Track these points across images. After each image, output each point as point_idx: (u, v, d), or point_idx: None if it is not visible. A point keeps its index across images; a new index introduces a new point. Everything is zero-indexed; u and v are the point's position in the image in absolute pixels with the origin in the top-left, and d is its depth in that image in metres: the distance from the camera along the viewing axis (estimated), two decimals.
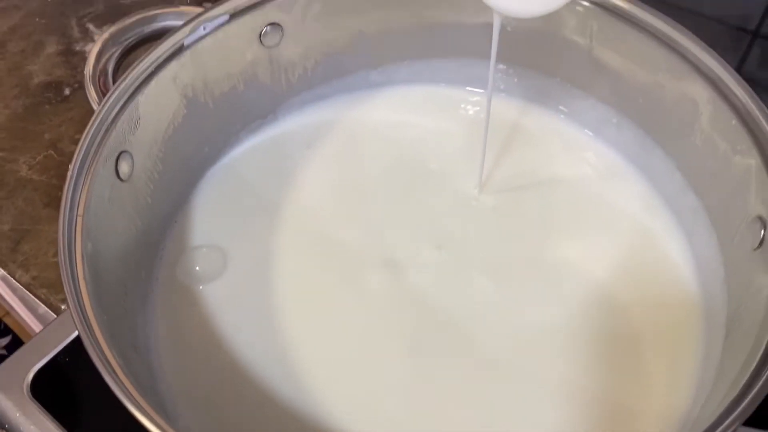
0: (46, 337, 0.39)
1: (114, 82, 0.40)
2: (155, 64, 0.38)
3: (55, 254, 0.43)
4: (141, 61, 0.38)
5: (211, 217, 0.44)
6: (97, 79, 0.39)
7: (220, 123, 0.45)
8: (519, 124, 0.49)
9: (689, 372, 0.38)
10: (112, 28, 0.41)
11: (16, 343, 1.02)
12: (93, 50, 0.40)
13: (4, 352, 1.02)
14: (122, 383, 0.28)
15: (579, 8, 0.42)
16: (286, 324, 0.39)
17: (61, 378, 0.37)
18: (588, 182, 0.46)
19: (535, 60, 0.47)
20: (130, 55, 0.42)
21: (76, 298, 0.30)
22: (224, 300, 0.40)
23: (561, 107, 0.48)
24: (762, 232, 0.34)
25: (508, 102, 0.49)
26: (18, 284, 0.46)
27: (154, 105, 0.38)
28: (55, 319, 0.40)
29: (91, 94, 0.39)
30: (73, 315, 0.30)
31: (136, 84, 0.37)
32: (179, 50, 0.39)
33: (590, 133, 0.48)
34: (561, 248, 0.43)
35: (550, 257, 0.43)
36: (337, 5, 0.44)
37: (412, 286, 0.41)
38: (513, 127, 0.49)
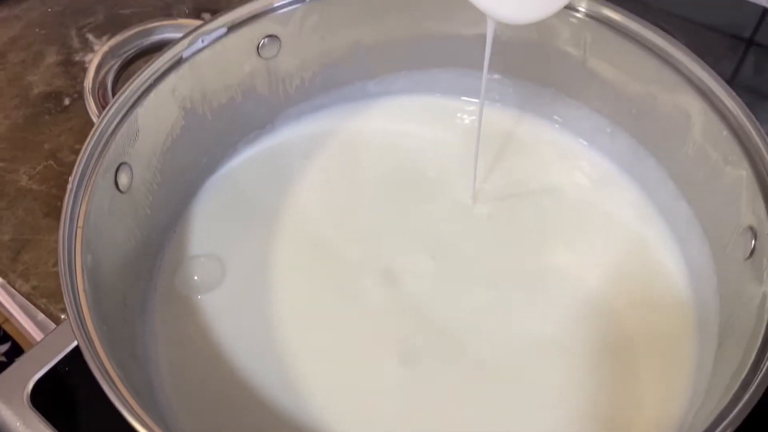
0: (46, 346, 0.39)
1: (113, 94, 0.40)
2: (154, 77, 0.39)
3: (55, 264, 0.43)
4: (140, 74, 0.38)
5: (209, 227, 0.44)
6: (96, 91, 0.40)
7: (218, 134, 0.45)
8: (514, 133, 0.49)
9: (683, 380, 0.38)
10: (111, 41, 0.41)
11: (15, 350, 1.02)
12: (92, 63, 0.40)
13: (3, 358, 1.02)
14: (121, 394, 0.29)
15: (573, 20, 0.42)
16: (283, 333, 0.40)
17: (61, 387, 0.38)
18: (582, 191, 0.46)
19: (530, 70, 0.47)
20: (129, 68, 0.42)
21: (75, 310, 0.31)
22: (222, 309, 0.40)
23: (555, 117, 0.49)
24: (753, 242, 0.35)
25: (503, 111, 0.50)
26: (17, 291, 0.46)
27: (153, 117, 0.39)
28: (55, 328, 0.41)
29: (91, 106, 0.39)
30: (73, 326, 0.30)
31: (135, 96, 0.38)
32: (178, 63, 0.40)
33: (585, 143, 0.48)
34: (556, 256, 0.43)
35: (544, 265, 0.43)
36: (334, 17, 0.44)
37: (408, 295, 0.41)
38: (508, 136, 0.49)
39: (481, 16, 0.38)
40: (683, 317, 0.40)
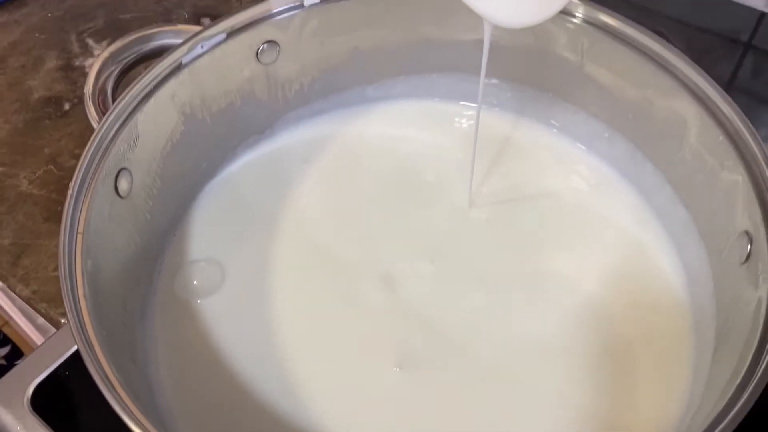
0: (46, 350, 0.39)
1: (113, 100, 0.40)
2: (154, 83, 0.39)
3: (55, 268, 0.43)
4: (140, 80, 0.38)
5: (208, 232, 0.44)
6: (96, 97, 0.40)
7: (217, 139, 0.45)
8: (512, 138, 0.49)
9: (681, 383, 0.38)
10: (111, 47, 0.42)
11: (15, 353, 1.02)
12: (92, 69, 0.41)
13: (3, 362, 1.02)
14: (121, 398, 0.29)
15: (570, 25, 0.43)
16: (283, 338, 0.40)
17: (61, 391, 0.38)
18: (580, 195, 0.47)
19: (528, 75, 0.47)
20: (129, 73, 0.42)
21: (76, 315, 0.31)
22: (222, 314, 0.41)
23: (553, 121, 0.49)
24: (749, 246, 0.35)
25: (501, 116, 0.50)
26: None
27: (152, 122, 0.39)
28: (55, 332, 0.41)
29: (91, 112, 0.39)
30: (73, 331, 0.30)
31: (135, 102, 0.38)
32: (177, 68, 0.40)
33: (582, 147, 0.48)
34: (554, 260, 0.44)
35: (543, 269, 0.43)
36: (333, 23, 0.45)
37: (407, 299, 0.42)
38: (506, 140, 0.49)
39: (478, 21, 0.38)
40: (681, 321, 0.41)
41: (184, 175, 0.44)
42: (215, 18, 0.41)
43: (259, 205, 0.46)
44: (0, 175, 0.50)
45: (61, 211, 0.34)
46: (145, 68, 0.39)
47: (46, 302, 0.44)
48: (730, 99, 0.38)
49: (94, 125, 0.38)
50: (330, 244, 0.44)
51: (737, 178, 0.36)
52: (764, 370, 0.30)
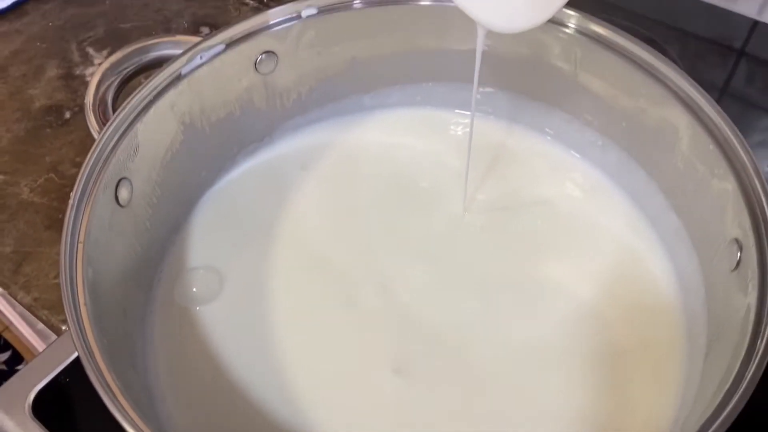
0: (47, 357, 0.40)
1: (113, 110, 0.41)
2: (154, 93, 0.39)
3: (56, 276, 0.44)
4: (140, 90, 0.39)
5: (208, 239, 0.45)
6: (96, 107, 0.40)
7: (216, 147, 0.46)
8: (507, 145, 0.50)
9: (673, 388, 0.39)
10: (112, 58, 0.42)
11: (15, 358, 1.03)
12: (92, 80, 0.41)
13: (3, 367, 1.03)
14: (121, 405, 0.29)
15: (563, 35, 0.43)
16: (281, 344, 0.40)
17: (62, 398, 0.38)
18: (574, 202, 0.47)
19: (523, 84, 0.48)
20: (129, 84, 0.43)
21: (77, 323, 0.31)
22: (221, 321, 0.41)
23: (547, 129, 0.49)
24: (738, 254, 0.35)
25: (496, 124, 0.50)
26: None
27: (152, 132, 0.39)
28: (56, 339, 0.41)
29: (92, 122, 0.40)
30: (74, 339, 0.31)
31: (135, 112, 0.38)
32: (177, 79, 0.41)
33: (577, 155, 0.49)
34: (548, 267, 0.44)
35: (537, 275, 0.44)
36: (330, 33, 0.45)
37: (403, 304, 0.42)
38: (501, 148, 0.50)
39: (472, 31, 0.38)
40: (674, 327, 0.41)
41: (183, 184, 0.44)
42: (214, 27, 0.42)
43: (257, 212, 0.46)
44: (2, 183, 0.51)
45: (62, 219, 0.34)
46: (145, 78, 0.40)
47: (48, 309, 0.44)
48: (720, 108, 0.38)
49: (95, 135, 0.38)
50: (327, 250, 0.45)
51: (727, 186, 0.37)
52: (753, 375, 0.30)
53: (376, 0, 0.45)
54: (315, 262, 0.44)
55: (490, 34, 0.38)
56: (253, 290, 0.42)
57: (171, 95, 0.40)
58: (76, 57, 0.59)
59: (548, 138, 0.50)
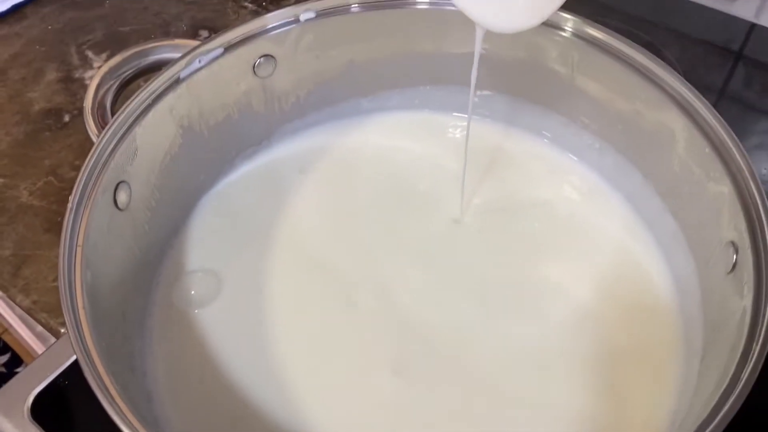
0: (46, 360, 0.40)
1: (112, 114, 0.41)
2: (152, 97, 0.40)
3: (55, 279, 0.44)
4: (138, 94, 0.39)
5: (206, 242, 0.45)
6: (95, 111, 0.40)
7: (215, 151, 0.46)
8: (504, 148, 0.50)
9: (670, 390, 0.39)
10: (111, 61, 0.42)
11: (14, 361, 1.03)
12: (91, 83, 0.41)
13: (2, 369, 1.03)
14: (119, 407, 0.29)
15: (559, 39, 0.43)
16: (280, 346, 0.40)
17: (60, 401, 0.38)
18: (571, 205, 0.47)
19: (520, 88, 0.48)
20: (128, 87, 0.43)
21: (75, 327, 0.31)
22: (219, 324, 0.41)
23: (545, 132, 0.50)
24: (734, 257, 0.35)
25: (493, 127, 0.51)
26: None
27: (151, 136, 0.40)
28: (55, 342, 0.41)
29: (90, 126, 0.40)
30: (73, 343, 0.31)
31: (134, 116, 0.39)
32: (176, 82, 0.41)
33: (574, 158, 0.49)
34: (546, 269, 0.44)
35: (535, 278, 0.44)
36: (328, 37, 0.45)
37: (401, 307, 0.42)
38: (498, 151, 0.50)
39: (470, 35, 0.39)
40: (670, 329, 0.41)
41: (182, 187, 0.44)
42: (213, 30, 0.42)
43: (255, 215, 0.46)
44: (1, 186, 0.51)
45: (61, 222, 0.34)
46: (144, 82, 0.40)
47: (47, 312, 0.44)
48: (716, 111, 0.38)
49: (94, 139, 0.38)
50: (326, 252, 0.45)
51: (723, 189, 0.37)
52: (749, 376, 0.30)
53: (373, 4, 0.45)
54: (313, 264, 0.44)
55: (488, 36, 0.38)
56: (251, 293, 0.43)
57: (170, 99, 0.40)
58: (75, 60, 0.59)
59: (545, 141, 0.50)
